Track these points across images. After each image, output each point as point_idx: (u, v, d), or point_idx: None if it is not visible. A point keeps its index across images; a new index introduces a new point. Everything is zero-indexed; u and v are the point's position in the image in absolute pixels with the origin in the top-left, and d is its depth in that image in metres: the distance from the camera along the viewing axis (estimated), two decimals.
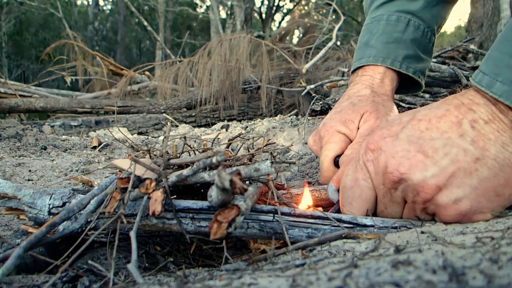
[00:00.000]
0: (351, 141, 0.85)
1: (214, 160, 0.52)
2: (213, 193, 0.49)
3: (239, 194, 0.45)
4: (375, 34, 1.00)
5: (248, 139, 0.90)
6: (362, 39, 1.04)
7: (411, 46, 0.97)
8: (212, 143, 0.84)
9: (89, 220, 0.58)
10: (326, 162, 0.84)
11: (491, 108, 0.57)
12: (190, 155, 0.73)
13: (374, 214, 0.66)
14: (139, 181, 0.56)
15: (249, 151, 0.75)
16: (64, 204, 0.64)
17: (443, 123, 0.58)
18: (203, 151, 0.73)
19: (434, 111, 0.61)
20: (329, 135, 0.86)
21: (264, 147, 0.76)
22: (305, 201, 0.76)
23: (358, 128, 0.85)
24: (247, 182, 0.69)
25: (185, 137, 0.71)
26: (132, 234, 0.48)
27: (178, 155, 0.69)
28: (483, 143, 0.55)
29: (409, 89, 1.08)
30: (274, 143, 1.05)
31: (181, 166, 0.66)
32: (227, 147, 0.76)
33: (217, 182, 0.45)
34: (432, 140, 0.57)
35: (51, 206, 0.64)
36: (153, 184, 0.52)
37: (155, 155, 0.69)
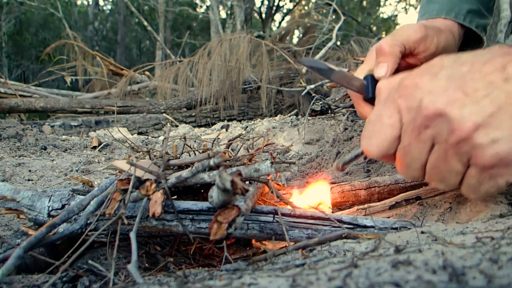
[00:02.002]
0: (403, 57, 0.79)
1: (211, 162, 0.52)
2: (214, 193, 0.48)
3: (240, 194, 0.45)
4: None
5: (248, 140, 0.89)
6: None
7: (474, 1, 0.99)
8: (212, 144, 0.84)
9: (89, 221, 0.58)
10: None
11: None
12: (190, 156, 0.73)
13: (393, 157, 0.60)
14: (139, 182, 0.56)
15: (248, 151, 0.75)
16: (63, 206, 0.64)
17: (487, 67, 0.55)
18: (203, 152, 0.73)
19: (478, 57, 0.58)
20: (385, 46, 0.77)
21: (264, 147, 0.76)
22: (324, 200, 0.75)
23: (414, 49, 0.80)
24: (247, 182, 0.69)
25: (185, 138, 0.71)
26: (132, 235, 0.48)
27: (178, 155, 0.69)
28: None
29: (470, 45, 1.06)
30: (274, 143, 1.06)
31: (180, 167, 0.66)
32: (227, 147, 0.76)
33: (218, 183, 0.45)
34: (474, 80, 0.55)
35: (50, 209, 0.64)
36: (153, 186, 0.52)
37: (154, 156, 0.69)
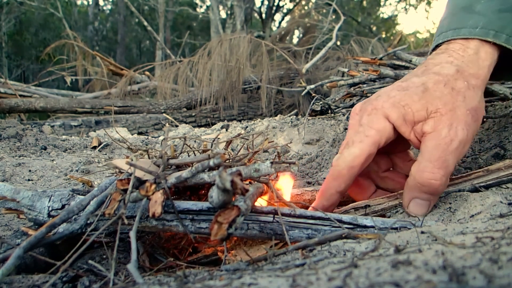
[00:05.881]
0: (395, 135, 0.68)
1: (211, 163, 0.52)
2: (214, 193, 0.48)
3: (240, 194, 0.45)
4: None
5: (248, 139, 0.89)
6: (458, 1, 0.79)
7: None
8: (212, 144, 0.84)
9: (89, 221, 0.58)
10: (347, 160, 0.67)
11: None
12: (189, 156, 0.72)
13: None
14: (139, 182, 0.56)
15: (249, 151, 0.75)
16: (63, 206, 0.64)
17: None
18: (203, 152, 0.73)
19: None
20: (373, 117, 0.68)
21: (265, 146, 0.76)
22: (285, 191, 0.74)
23: (414, 126, 0.67)
24: (247, 182, 0.69)
25: (185, 138, 0.71)
26: (132, 235, 0.48)
27: (176, 155, 0.69)
28: None
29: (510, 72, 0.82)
30: (273, 141, 1.05)
31: (179, 166, 0.66)
32: (226, 146, 0.75)
33: (218, 183, 0.45)
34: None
35: (50, 209, 0.64)
36: (153, 186, 0.52)
37: (154, 156, 0.69)
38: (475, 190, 0.74)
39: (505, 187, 0.74)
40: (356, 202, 0.74)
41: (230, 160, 0.69)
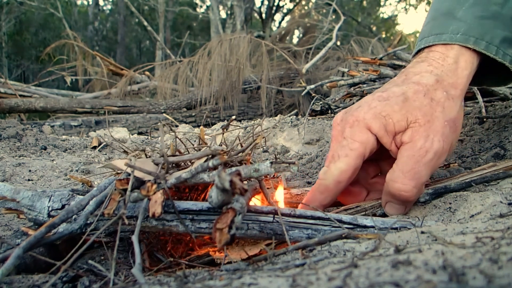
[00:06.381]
0: (378, 145, 0.69)
1: (210, 164, 0.52)
2: (213, 193, 0.48)
3: (239, 194, 0.45)
4: (463, 3, 0.75)
5: (242, 127, 0.89)
6: (441, 6, 0.79)
7: (509, 25, 0.73)
8: (211, 143, 0.84)
9: (88, 221, 0.58)
10: (335, 175, 0.68)
11: None
12: (189, 153, 0.72)
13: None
14: (139, 182, 0.56)
15: (242, 146, 0.74)
16: (63, 206, 0.64)
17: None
18: (201, 149, 0.73)
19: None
20: (355, 129, 0.68)
21: (261, 140, 0.76)
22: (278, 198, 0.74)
23: (395, 136, 0.67)
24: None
25: (175, 137, 0.71)
26: (134, 238, 0.48)
27: (175, 152, 0.69)
28: None
29: (493, 78, 0.82)
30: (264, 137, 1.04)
31: (179, 165, 0.66)
32: (222, 135, 0.75)
33: (217, 183, 0.45)
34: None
35: (50, 209, 0.64)
36: (154, 186, 0.52)
37: (149, 157, 0.69)
38: (460, 188, 0.75)
39: (505, 187, 0.74)
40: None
41: (227, 152, 0.69)
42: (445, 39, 0.73)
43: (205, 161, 0.61)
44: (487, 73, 0.81)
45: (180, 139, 0.74)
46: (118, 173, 0.71)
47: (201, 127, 0.80)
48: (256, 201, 0.71)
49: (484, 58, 0.74)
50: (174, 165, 0.65)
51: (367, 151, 0.68)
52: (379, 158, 0.77)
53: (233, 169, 0.47)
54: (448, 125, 0.66)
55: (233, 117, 0.94)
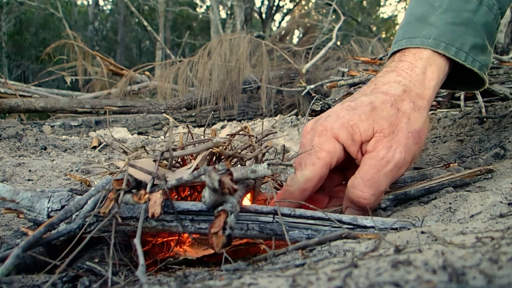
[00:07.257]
0: (345, 154, 0.70)
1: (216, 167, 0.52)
2: (206, 193, 0.49)
3: (228, 194, 0.45)
4: (437, 9, 0.76)
5: (246, 135, 0.88)
6: (415, 11, 0.80)
7: (480, 32, 0.75)
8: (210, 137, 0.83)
9: (86, 220, 0.58)
10: (300, 182, 0.68)
11: None
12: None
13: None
14: (137, 182, 0.56)
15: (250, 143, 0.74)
16: (63, 207, 0.64)
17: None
18: (203, 142, 0.73)
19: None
20: (323, 138, 0.69)
21: (265, 137, 0.76)
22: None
23: (362, 145, 0.68)
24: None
25: (188, 132, 0.71)
26: (137, 241, 0.48)
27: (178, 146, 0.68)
28: None
29: (466, 83, 0.84)
30: (275, 131, 1.04)
31: (184, 160, 0.66)
32: (229, 140, 0.75)
33: (208, 183, 0.45)
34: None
35: (49, 210, 0.64)
36: (147, 196, 0.51)
37: (151, 152, 0.69)
38: (420, 195, 0.80)
39: (505, 187, 0.74)
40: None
41: (231, 149, 0.69)
42: (417, 43, 0.74)
43: (208, 154, 0.61)
44: (461, 78, 0.83)
45: (191, 133, 0.74)
46: (115, 173, 0.71)
47: (214, 126, 0.80)
48: (246, 201, 0.71)
49: (457, 64, 0.76)
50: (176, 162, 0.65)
51: (334, 160, 0.69)
52: (345, 167, 0.77)
53: (225, 168, 0.47)
54: (412, 137, 0.68)
55: (242, 124, 0.93)
